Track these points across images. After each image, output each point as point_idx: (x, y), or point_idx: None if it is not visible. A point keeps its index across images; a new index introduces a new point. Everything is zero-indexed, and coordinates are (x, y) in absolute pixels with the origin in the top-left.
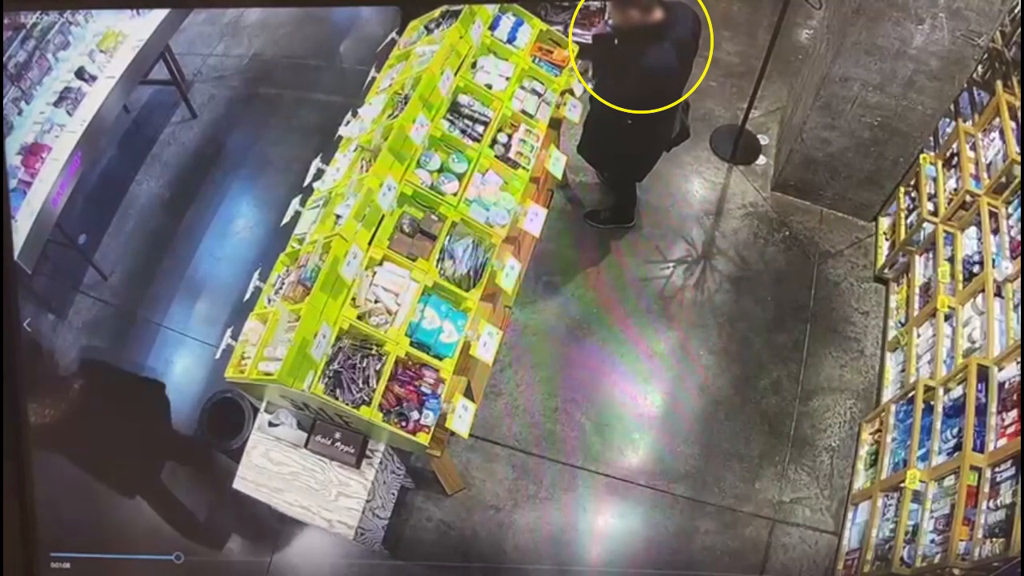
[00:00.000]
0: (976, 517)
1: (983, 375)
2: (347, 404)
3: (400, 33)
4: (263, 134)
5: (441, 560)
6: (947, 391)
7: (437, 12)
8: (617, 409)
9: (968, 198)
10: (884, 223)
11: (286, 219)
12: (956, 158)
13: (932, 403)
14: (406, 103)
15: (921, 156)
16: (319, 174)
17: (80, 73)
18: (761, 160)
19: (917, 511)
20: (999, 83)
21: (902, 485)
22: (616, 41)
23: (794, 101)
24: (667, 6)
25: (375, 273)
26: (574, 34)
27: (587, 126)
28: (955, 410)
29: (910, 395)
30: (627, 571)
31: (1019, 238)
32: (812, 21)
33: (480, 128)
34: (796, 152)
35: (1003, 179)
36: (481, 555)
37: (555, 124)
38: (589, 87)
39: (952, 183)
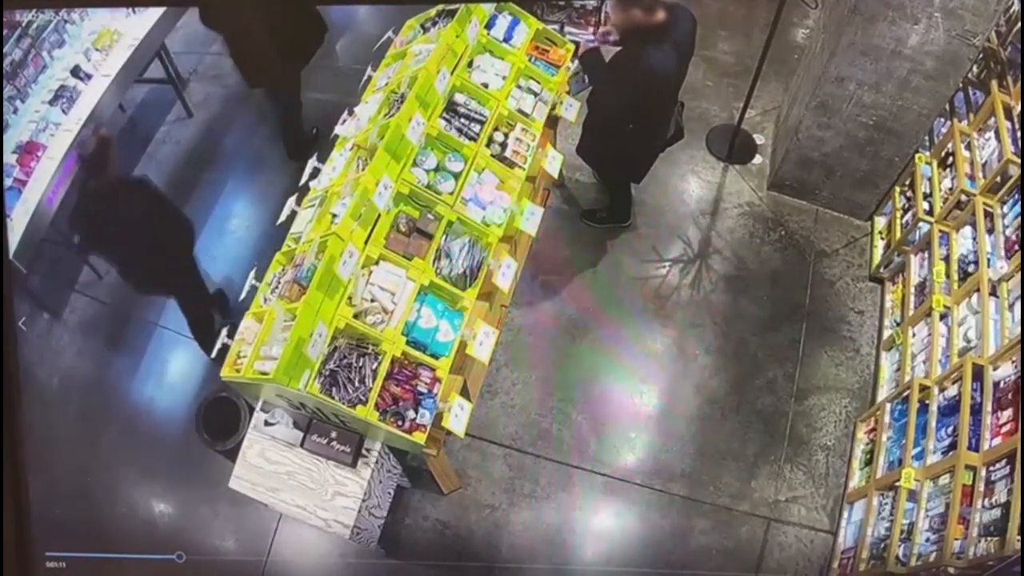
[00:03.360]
0: (971, 516)
1: (978, 374)
2: (343, 403)
3: (397, 32)
4: (259, 133)
5: (437, 559)
6: (942, 390)
7: (433, 11)
8: (613, 408)
9: (963, 198)
10: (880, 222)
11: (282, 218)
12: (951, 158)
13: (927, 402)
14: (402, 102)
15: (916, 156)
16: (315, 173)
17: (76, 71)
18: (757, 160)
19: (912, 510)
20: (994, 83)
21: (897, 484)
22: (616, 44)
23: (790, 101)
24: (668, 7)
25: (371, 272)
26: (568, 33)
27: (585, 126)
28: (950, 409)
29: (905, 394)
30: (623, 570)
31: (1014, 237)
32: (808, 21)
33: (476, 127)
34: (792, 152)
35: (998, 179)
36: (477, 554)
37: (552, 123)
38: (572, 91)
39: (947, 183)
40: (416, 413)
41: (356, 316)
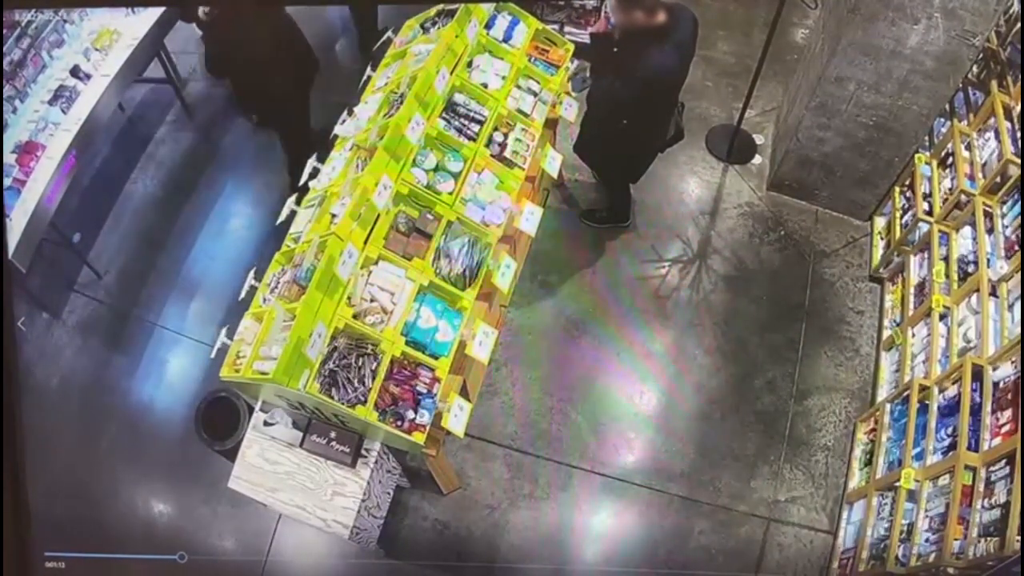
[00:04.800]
0: (971, 516)
1: (978, 374)
2: (342, 403)
3: (396, 32)
4: (258, 132)
5: (437, 559)
6: (942, 390)
7: (433, 11)
8: (613, 408)
9: (963, 198)
10: (879, 223)
11: (281, 218)
12: (951, 158)
13: (927, 402)
14: (402, 102)
15: (916, 156)
16: (315, 173)
17: (75, 71)
18: (757, 160)
19: (912, 510)
20: (994, 83)
21: (897, 484)
22: (617, 40)
23: (790, 101)
24: (669, 8)
25: (371, 272)
26: (568, 33)
27: (584, 125)
28: (950, 409)
29: (905, 394)
30: (623, 570)
31: (1014, 237)
32: (808, 21)
33: (476, 127)
34: (791, 152)
35: (998, 179)
36: (476, 554)
37: (551, 123)
38: (572, 93)
39: (947, 183)
40: (415, 413)
41: (355, 316)
